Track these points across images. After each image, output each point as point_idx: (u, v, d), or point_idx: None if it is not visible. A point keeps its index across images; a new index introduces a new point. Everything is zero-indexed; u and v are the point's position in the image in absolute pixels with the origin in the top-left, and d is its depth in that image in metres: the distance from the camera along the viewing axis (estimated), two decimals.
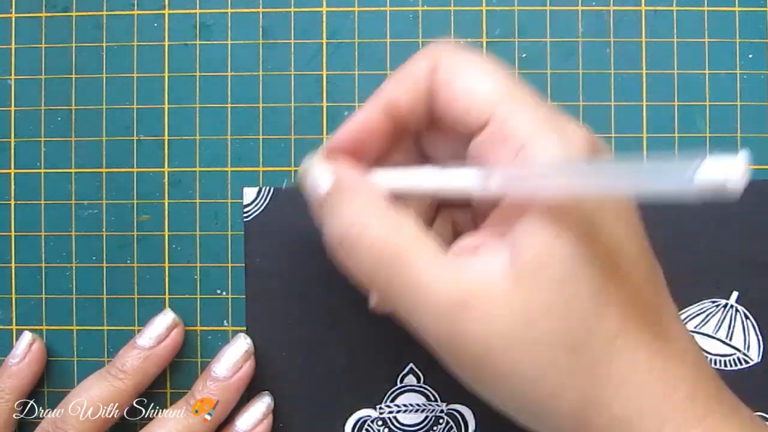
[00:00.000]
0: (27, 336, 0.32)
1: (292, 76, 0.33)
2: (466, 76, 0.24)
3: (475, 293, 0.21)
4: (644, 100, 0.33)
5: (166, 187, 0.33)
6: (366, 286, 0.24)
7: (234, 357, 0.31)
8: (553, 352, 0.21)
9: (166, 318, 0.32)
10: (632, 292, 0.22)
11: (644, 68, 0.33)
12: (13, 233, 0.34)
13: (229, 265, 0.33)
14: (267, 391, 0.32)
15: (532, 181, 0.21)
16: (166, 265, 0.33)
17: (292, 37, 0.33)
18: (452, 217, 0.28)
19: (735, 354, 0.32)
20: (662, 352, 0.22)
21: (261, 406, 0.32)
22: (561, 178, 0.21)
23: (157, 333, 0.32)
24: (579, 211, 0.22)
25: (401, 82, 0.25)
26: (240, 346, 0.32)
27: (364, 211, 0.23)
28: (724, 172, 0.16)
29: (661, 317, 0.23)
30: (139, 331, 0.33)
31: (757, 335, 0.32)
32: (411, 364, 0.33)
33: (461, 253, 0.23)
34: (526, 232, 0.22)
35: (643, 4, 0.33)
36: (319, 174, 0.25)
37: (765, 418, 0.32)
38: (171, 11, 0.33)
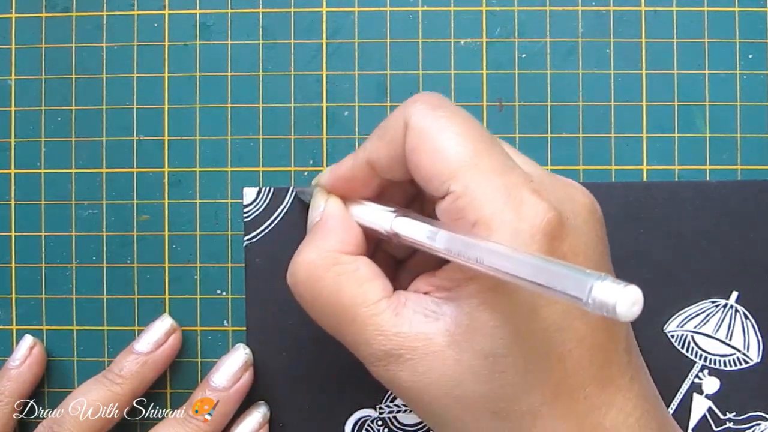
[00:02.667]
0: (28, 339, 0.32)
1: (292, 76, 0.33)
2: (430, 144, 0.24)
3: (411, 348, 0.23)
4: (644, 100, 0.33)
5: (166, 187, 0.33)
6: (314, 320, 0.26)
7: (233, 367, 0.31)
8: (475, 412, 0.23)
9: (164, 323, 0.32)
10: (572, 367, 0.22)
11: (644, 68, 0.33)
12: (13, 233, 0.34)
13: (229, 265, 0.33)
14: (263, 401, 0.32)
15: (474, 253, 0.22)
16: (166, 265, 0.33)
17: (292, 37, 0.33)
18: None
19: (735, 354, 0.32)
20: (595, 423, 0.23)
21: (257, 415, 0.32)
22: (494, 259, 0.21)
23: (156, 338, 0.32)
24: (521, 289, 0.22)
25: (379, 141, 0.26)
26: (239, 356, 0.32)
27: (324, 256, 0.25)
28: (615, 297, 0.17)
29: (604, 389, 0.23)
30: (138, 332, 0.33)
31: (757, 335, 0.32)
32: None
33: (415, 294, 0.25)
34: (467, 299, 0.23)
35: (643, 4, 0.33)
36: (316, 204, 0.28)
37: (765, 418, 0.32)
38: (171, 11, 0.33)
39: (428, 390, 0.23)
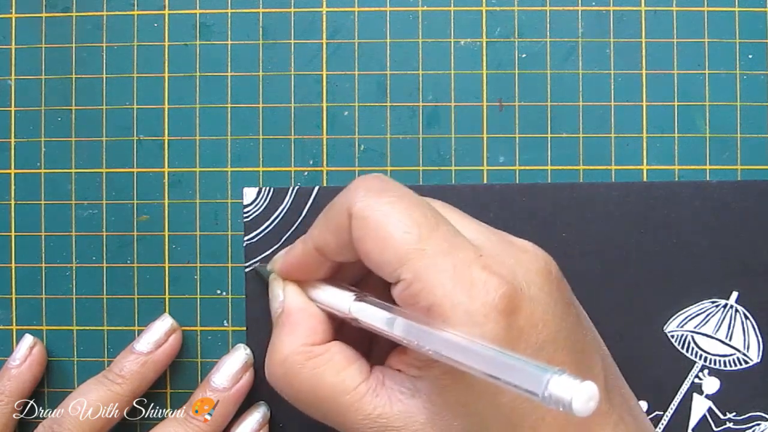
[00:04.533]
0: (28, 339, 0.32)
1: (292, 76, 0.33)
2: (374, 233, 0.24)
3: (395, 428, 0.24)
4: (644, 100, 0.33)
5: (166, 187, 0.33)
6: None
7: (233, 368, 0.31)
8: None
9: (164, 323, 0.32)
10: None
11: (644, 68, 0.33)
12: (13, 233, 0.34)
13: (229, 265, 0.33)
14: (263, 401, 0.32)
15: (430, 344, 0.22)
16: (166, 265, 0.33)
17: (292, 37, 0.33)
18: None
19: (735, 354, 0.32)
20: None
21: (257, 416, 0.32)
22: (449, 351, 0.21)
23: (156, 338, 0.32)
24: None
25: (325, 229, 0.26)
26: (239, 356, 0.32)
27: (296, 352, 0.26)
28: (571, 393, 0.17)
29: None
30: (138, 332, 0.33)
31: (757, 335, 0.32)
32: None
33: (392, 371, 0.25)
34: (434, 380, 0.23)
35: (643, 4, 0.33)
36: (274, 294, 0.28)
37: (765, 418, 0.32)
38: (171, 11, 0.33)
39: None
